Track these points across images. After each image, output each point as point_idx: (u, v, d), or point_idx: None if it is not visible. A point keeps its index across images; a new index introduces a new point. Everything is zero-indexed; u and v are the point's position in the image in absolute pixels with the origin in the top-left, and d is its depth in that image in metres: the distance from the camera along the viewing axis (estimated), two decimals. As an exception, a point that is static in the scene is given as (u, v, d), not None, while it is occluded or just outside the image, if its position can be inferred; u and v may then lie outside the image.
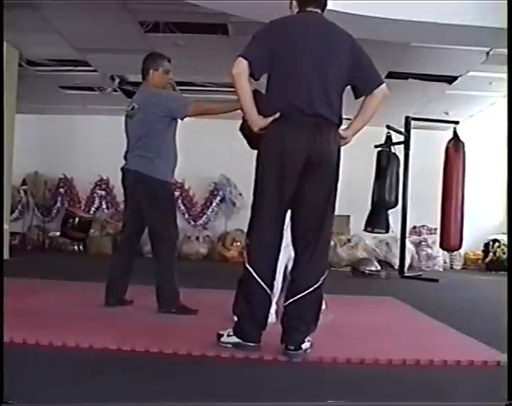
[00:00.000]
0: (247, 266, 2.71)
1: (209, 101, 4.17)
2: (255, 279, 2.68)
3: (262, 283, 2.68)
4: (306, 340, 2.69)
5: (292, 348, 2.65)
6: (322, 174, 2.69)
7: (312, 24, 2.78)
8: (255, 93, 2.79)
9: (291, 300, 2.68)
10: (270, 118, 2.68)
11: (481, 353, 2.90)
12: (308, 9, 2.79)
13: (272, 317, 3.11)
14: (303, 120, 2.66)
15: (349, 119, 2.85)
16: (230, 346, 2.73)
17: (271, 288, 2.76)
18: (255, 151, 2.85)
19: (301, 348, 2.66)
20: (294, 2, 2.84)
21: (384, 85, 2.79)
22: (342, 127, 2.79)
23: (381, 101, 2.79)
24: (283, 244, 2.84)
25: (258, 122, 2.72)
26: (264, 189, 2.72)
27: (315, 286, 2.67)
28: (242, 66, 2.64)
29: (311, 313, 2.72)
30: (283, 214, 2.76)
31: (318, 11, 2.81)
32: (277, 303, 3.38)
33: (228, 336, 2.77)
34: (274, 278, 2.78)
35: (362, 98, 2.81)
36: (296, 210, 2.76)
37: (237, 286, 2.77)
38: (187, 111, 3.74)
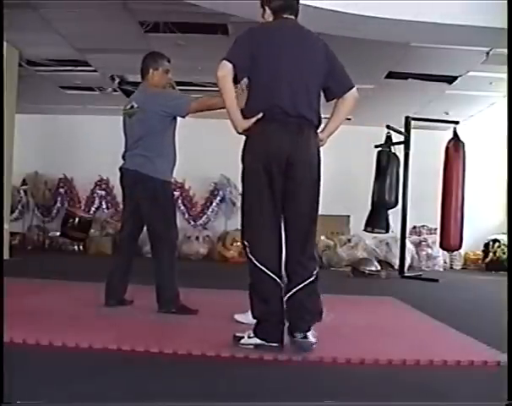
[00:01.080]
0: (259, 265, 2.73)
1: (211, 97, 4.14)
2: (269, 276, 2.72)
3: (276, 279, 2.73)
4: (311, 330, 2.71)
5: (299, 335, 2.67)
6: (302, 174, 2.74)
7: (290, 29, 2.87)
8: None
9: (289, 295, 2.72)
10: (253, 119, 2.74)
11: (481, 353, 2.90)
12: (284, 16, 2.88)
13: None
14: (287, 121, 2.73)
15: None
16: (252, 347, 2.73)
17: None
18: None
19: (307, 338, 2.67)
20: (268, 11, 2.91)
21: (354, 88, 2.89)
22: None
23: (352, 104, 2.91)
24: None
25: (242, 124, 2.77)
26: (258, 190, 2.76)
27: (309, 280, 2.71)
28: (226, 69, 2.72)
29: (311, 301, 2.74)
30: (279, 212, 2.79)
31: (293, 17, 2.90)
32: None
33: (249, 337, 2.77)
34: (282, 275, 2.80)
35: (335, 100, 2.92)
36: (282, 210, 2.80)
37: (250, 290, 2.80)
38: (189, 108, 3.75)
